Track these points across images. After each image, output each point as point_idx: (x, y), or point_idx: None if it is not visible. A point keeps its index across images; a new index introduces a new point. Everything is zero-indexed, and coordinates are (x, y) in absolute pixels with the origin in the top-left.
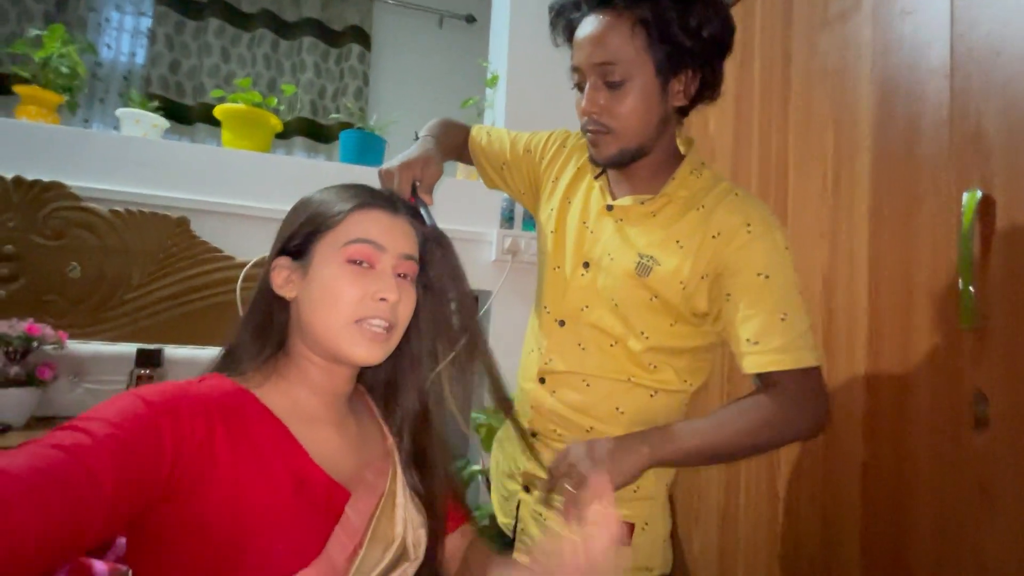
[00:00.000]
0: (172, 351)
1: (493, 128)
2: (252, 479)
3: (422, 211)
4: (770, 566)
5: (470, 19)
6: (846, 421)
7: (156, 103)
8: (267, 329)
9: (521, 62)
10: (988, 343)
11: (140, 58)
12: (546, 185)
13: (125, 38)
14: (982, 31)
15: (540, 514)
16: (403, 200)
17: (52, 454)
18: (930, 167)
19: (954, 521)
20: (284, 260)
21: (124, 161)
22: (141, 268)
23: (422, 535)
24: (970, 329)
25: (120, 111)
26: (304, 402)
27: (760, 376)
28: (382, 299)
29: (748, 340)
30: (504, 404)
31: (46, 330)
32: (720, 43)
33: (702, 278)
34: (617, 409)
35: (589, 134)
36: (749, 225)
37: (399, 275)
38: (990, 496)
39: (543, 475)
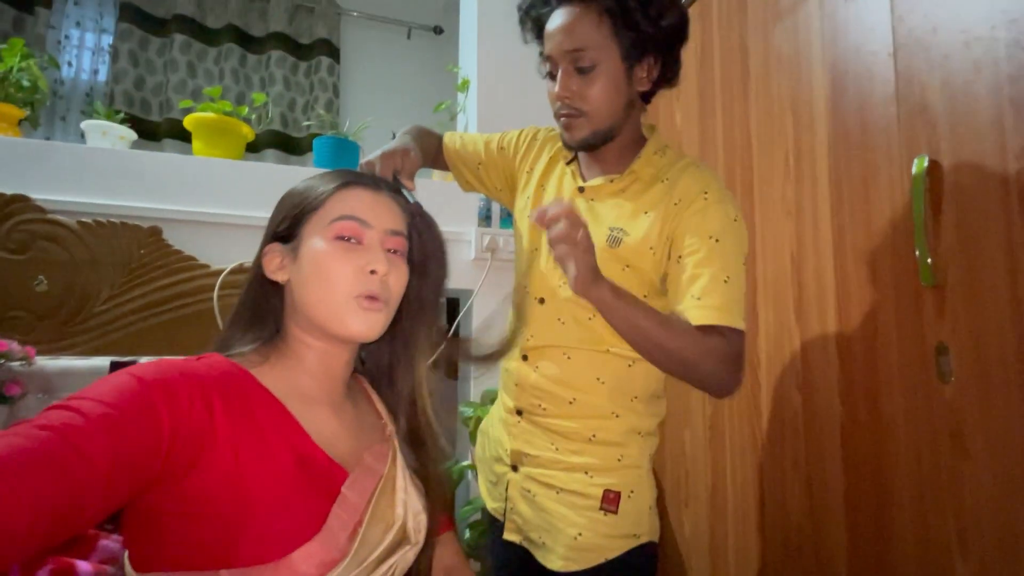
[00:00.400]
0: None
1: (465, 133)
2: (252, 454)
3: (404, 193)
4: (759, 536)
5: (438, 30)
6: (823, 386)
7: (122, 115)
8: (262, 316)
9: (490, 66)
10: (947, 297)
11: (102, 75)
12: (521, 177)
13: (86, 55)
14: (919, 12)
15: (528, 491)
16: (385, 180)
17: (42, 435)
18: (882, 140)
19: (931, 470)
20: (275, 245)
21: (91, 172)
22: (112, 279)
23: (423, 521)
24: (930, 286)
25: (86, 123)
26: (302, 384)
27: (700, 328)
28: (372, 271)
29: (693, 296)
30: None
31: (13, 346)
32: (677, 31)
33: (667, 243)
34: (598, 379)
35: (562, 119)
36: (706, 193)
37: (388, 250)
38: (962, 442)
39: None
